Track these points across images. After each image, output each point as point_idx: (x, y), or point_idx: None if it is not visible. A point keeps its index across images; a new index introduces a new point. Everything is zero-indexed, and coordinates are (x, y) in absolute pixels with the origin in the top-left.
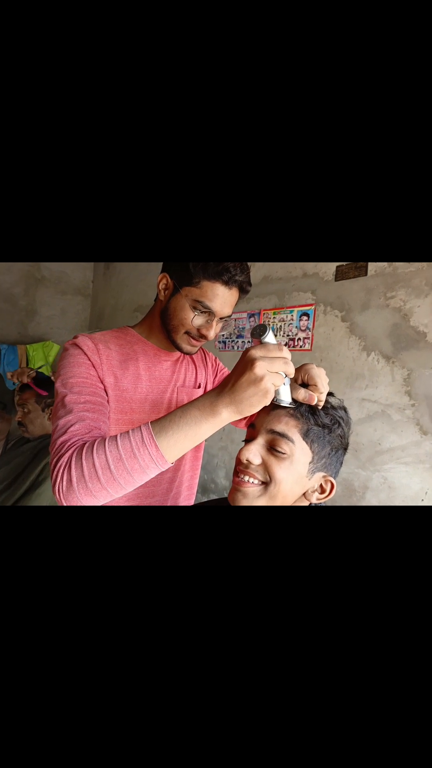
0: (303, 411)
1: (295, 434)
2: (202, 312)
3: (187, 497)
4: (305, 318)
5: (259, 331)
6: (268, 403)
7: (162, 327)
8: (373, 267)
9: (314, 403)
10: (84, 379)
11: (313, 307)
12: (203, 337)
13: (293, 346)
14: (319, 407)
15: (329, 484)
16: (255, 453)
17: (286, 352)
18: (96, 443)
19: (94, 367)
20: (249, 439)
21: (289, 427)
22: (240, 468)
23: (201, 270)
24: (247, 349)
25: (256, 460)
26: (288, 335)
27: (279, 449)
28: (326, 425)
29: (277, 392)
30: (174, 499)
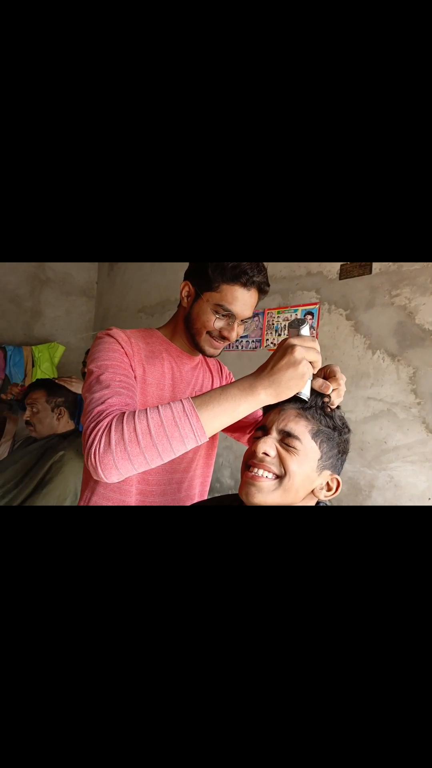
0: (313, 413)
1: (304, 434)
2: (223, 315)
3: (201, 493)
4: (310, 317)
5: (296, 324)
6: (302, 387)
7: (185, 331)
8: (377, 265)
9: (329, 392)
10: (118, 363)
11: (317, 306)
12: (225, 338)
13: None
14: (333, 404)
15: (336, 482)
16: (271, 445)
17: (317, 345)
18: (137, 411)
19: (126, 355)
20: (258, 438)
21: (300, 426)
22: (254, 462)
23: (219, 275)
24: (285, 339)
25: (272, 452)
26: None
27: (291, 445)
28: (336, 427)
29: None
30: (184, 502)
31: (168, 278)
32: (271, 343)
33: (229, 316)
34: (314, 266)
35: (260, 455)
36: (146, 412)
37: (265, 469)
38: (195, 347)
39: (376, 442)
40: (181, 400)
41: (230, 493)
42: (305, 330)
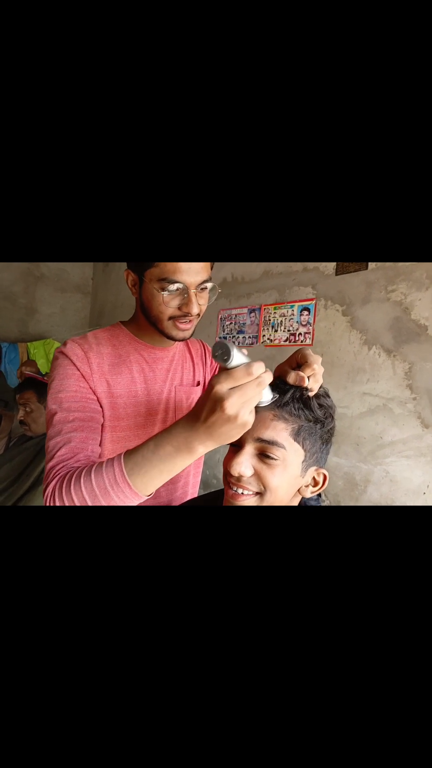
0: (291, 409)
1: (285, 438)
2: (173, 290)
3: (191, 489)
4: (306, 313)
5: (220, 354)
6: (249, 426)
7: (148, 323)
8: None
9: (305, 384)
10: (73, 393)
11: (313, 302)
12: (187, 315)
13: (294, 341)
14: (312, 391)
15: (322, 476)
16: (246, 465)
17: (257, 368)
18: (74, 477)
19: (84, 377)
20: (235, 445)
21: (278, 431)
22: (232, 480)
23: None
24: (212, 381)
25: (248, 471)
26: (289, 330)
27: (271, 455)
28: (318, 419)
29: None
30: (182, 499)
31: None
32: (268, 339)
33: (180, 288)
34: (310, 262)
35: (235, 476)
36: (81, 480)
37: (242, 488)
38: (163, 336)
39: (371, 438)
40: (113, 463)
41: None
42: (235, 359)
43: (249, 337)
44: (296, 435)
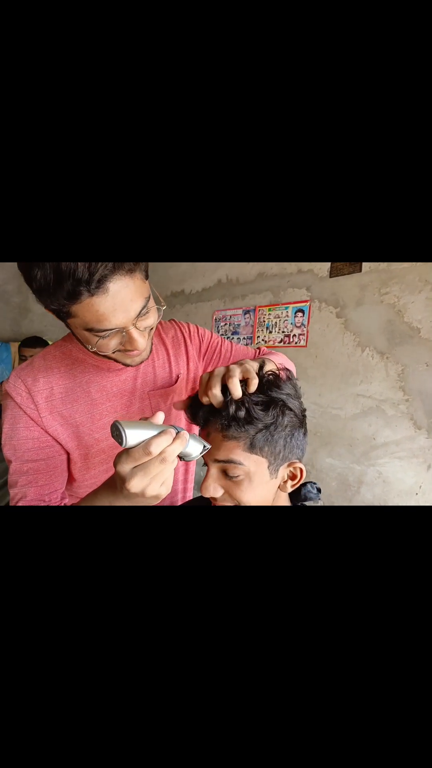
0: (237, 427)
1: (240, 454)
2: (106, 335)
3: (183, 490)
4: (300, 314)
5: (116, 436)
6: (167, 490)
7: None
8: (367, 263)
9: (237, 396)
10: (24, 441)
11: (308, 304)
12: (133, 349)
13: (288, 343)
14: (251, 389)
15: (298, 469)
16: (214, 487)
17: (155, 446)
18: None
19: (32, 419)
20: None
21: (231, 449)
22: (209, 499)
23: (56, 300)
24: (115, 461)
25: (218, 492)
26: (283, 332)
27: (232, 474)
28: (268, 425)
29: (183, 454)
30: (171, 497)
31: (159, 274)
32: (263, 340)
33: (114, 330)
34: (305, 264)
35: (208, 498)
36: None
37: (220, 504)
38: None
39: (365, 439)
40: None
41: None
42: (130, 438)
43: (243, 338)
44: (251, 448)
